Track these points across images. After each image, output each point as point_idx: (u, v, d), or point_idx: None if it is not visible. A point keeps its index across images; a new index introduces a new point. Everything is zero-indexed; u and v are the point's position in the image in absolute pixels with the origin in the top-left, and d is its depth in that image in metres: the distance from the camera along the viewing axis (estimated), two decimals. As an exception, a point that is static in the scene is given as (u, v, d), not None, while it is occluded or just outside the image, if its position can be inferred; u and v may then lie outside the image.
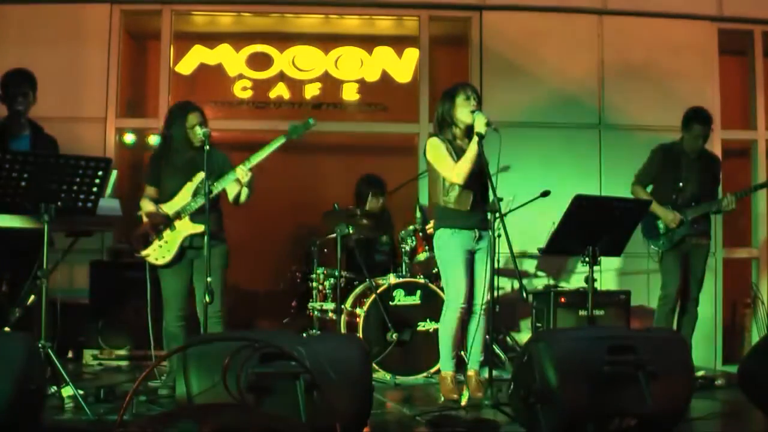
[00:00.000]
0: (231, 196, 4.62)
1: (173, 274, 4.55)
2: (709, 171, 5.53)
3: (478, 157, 4.41)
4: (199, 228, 4.43)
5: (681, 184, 5.44)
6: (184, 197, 4.53)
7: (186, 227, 4.51)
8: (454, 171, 4.46)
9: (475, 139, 4.38)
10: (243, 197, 4.62)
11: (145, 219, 4.56)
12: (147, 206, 4.57)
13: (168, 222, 4.52)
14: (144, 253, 4.53)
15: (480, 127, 4.37)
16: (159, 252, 4.51)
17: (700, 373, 5.18)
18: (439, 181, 4.57)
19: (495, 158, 4.36)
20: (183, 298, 4.58)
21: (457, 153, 4.50)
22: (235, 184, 4.54)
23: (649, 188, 5.57)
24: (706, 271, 5.57)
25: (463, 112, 4.51)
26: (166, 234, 4.52)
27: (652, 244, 5.48)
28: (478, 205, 4.54)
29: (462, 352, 4.90)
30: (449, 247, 4.54)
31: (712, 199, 5.45)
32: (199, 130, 4.46)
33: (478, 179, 4.48)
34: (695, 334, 5.50)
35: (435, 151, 4.54)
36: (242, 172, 4.45)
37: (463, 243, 4.53)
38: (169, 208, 4.54)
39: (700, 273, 5.50)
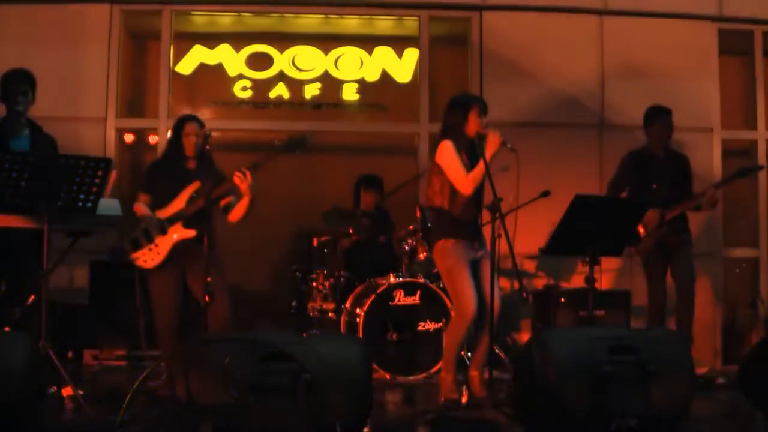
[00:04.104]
0: (228, 210, 4.68)
1: (162, 277, 4.58)
2: (680, 170, 5.59)
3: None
4: (191, 233, 4.51)
5: (654, 186, 5.46)
6: (178, 204, 4.59)
7: (178, 232, 4.55)
8: (465, 182, 4.41)
9: (486, 156, 4.36)
10: (243, 209, 4.64)
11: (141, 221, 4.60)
12: (141, 210, 4.63)
13: (161, 226, 4.55)
14: (134, 256, 4.55)
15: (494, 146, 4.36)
16: (149, 255, 4.54)
17: (700, 373, 5.18)
18: (446, 186, 4.50)
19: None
20: (175, 300, 4.62)
21: (462, 162, 4.48)
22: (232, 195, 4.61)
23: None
24: (694, 264, 5.54)
25: (474, 127, 4.47)
26: (158, 238, 4.55)
27: (634, 248, 5.50)
28: (476, 216, 4.57)
29: (461, 353, 4.89)
30: (455, 256, 4.46)
31: (687, 197, 5.46)
32: (194, 139, 4.60)
33: (477, 191, 4.50)
34: (695, 334, 5.50)
35: (449, 156, 4.46)
36: (239, 178, 4.48)
37: (466, 252, 4.50)
38: (163, 213, 4.60)
39: (686, 263, 5.47)
